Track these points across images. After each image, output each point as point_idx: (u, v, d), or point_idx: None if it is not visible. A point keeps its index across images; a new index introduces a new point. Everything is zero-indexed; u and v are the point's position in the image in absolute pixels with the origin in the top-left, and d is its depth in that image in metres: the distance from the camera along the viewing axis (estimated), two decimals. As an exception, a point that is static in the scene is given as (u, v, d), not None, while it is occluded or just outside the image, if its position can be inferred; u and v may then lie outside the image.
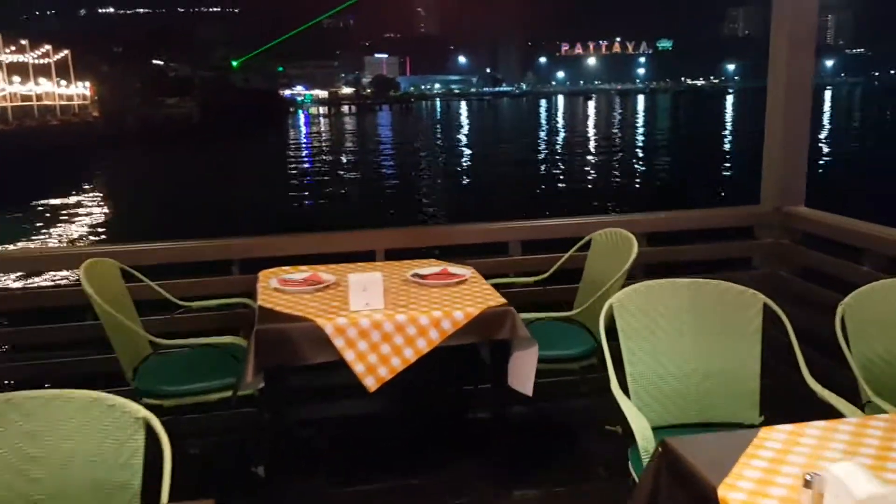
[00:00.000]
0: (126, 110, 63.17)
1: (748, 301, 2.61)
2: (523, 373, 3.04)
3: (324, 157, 36.07)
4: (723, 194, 22.66)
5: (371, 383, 2.88)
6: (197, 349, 3.26)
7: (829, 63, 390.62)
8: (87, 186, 27.13)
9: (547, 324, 3.49)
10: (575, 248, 3.74)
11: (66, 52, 52.28)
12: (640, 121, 67.42)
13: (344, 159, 35.11)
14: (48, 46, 48.71)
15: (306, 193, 24.39)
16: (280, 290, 3.23)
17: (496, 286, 3.42)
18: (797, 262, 4.07)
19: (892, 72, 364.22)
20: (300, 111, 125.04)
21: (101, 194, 26.07)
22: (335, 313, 2.92)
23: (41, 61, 46.71)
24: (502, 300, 3.06)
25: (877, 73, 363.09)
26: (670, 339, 2.60)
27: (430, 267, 3.54)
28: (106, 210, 22.86)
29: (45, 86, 48.38)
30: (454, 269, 3.49)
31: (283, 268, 3.58)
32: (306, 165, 33.22)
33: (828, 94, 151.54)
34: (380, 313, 2.91)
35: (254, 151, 42.80)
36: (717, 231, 4.25)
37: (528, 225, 4.01)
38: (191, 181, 27.30)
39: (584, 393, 3.76)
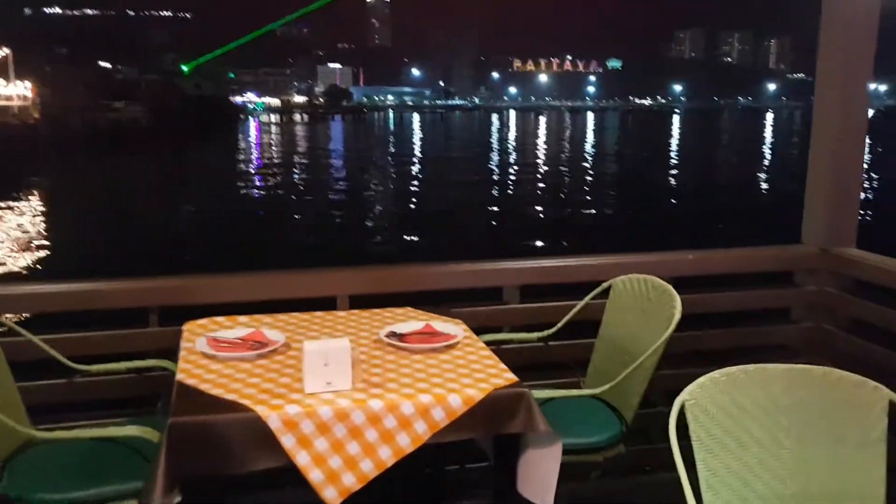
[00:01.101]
0: (69, 113, 61.00)
1: (868, 397, 1.87)
2: (539, 478, 2.26)
3: (274, 171, 34.45)
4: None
5: (332, 496, 2.07)
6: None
7: (772, 87, 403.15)
8: (11, 201, 24.53)
9: (559, 399, 2.71)
10: (591, 297, 2.98)
11: (6, 51, 50.01)
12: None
13: (296, 174, 33.70)
14: (-15, 44, 46.55)
15: (253, 212, 22.56)
16: (210, 355, 2.39)
17: (490, 344, 2.66)
18: (847, 316, 3.37)
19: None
20: (251, 118, 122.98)
21: (28, 208, 23.61)
22: (283, 397, 2.10)
23: (-23, 59, 44.52)
24: (511, 376, 2.28)
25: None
26: (763, 450, 1.85)
27: (410, 321, 2.75)
28: (26, 230, 19.99)
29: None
30: (440, 324, 2.69)
31: (216, 319, 2.74)
32: (256, 180, 31.55)
33: (769, 117, 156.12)
34: (346, 398, 2.10)
35: (200, 162, 41.42)
36: (742, 276, 3.54)
37: (527, 266, 3.23)
38: (128, 194, 25.31)
39: (601, 474, 3.00)
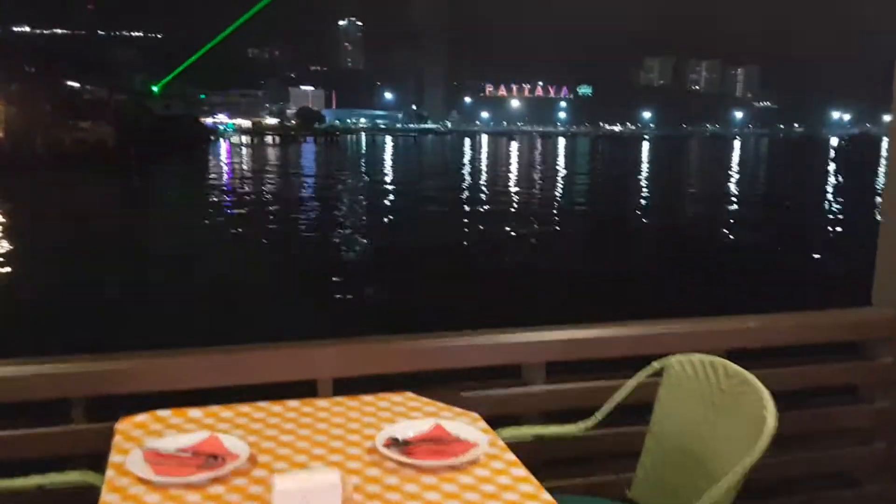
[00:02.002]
0: (35, 132, 59.64)
1: None
2: None
3: (245, 197, 33.01)
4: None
5: None
6: None
7: (739, 115, 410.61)
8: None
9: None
10: (639, 380, 2.36)
11: (-32, 68, 48.73)
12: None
13: (267, 202, 32.28)
14: (-53, 61, 45.25)
15: (213, 250, 19.92)
16: (146, 479, 1.74)
17: (515, 441, 2.06)
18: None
19: (796, 125, 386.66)
20: (222, 140, 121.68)
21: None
22: (246, 559, 1.46)
23: (-62, 76, 43.19)
24: (563, 515, 1.66)
25: (782, 126, 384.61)
26: None
27: (412, 414, 2.14)
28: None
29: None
30: (452, 423, 2.07)
31: (159, 413, 2.09)
32: (223, 208, 29.84)
33: (737, 145, 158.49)
34: (336, 562, 1.46)
35: (165, 186, 40.37)
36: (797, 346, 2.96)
37: (554, 338, 2.62)
38: (82, 223, 23.25)
39: None
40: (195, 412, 2.13)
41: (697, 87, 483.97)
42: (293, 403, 2.22)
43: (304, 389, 2.36)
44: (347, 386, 2.38)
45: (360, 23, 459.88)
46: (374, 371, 2.47)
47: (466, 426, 2.06)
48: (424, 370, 2.51)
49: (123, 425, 2.03)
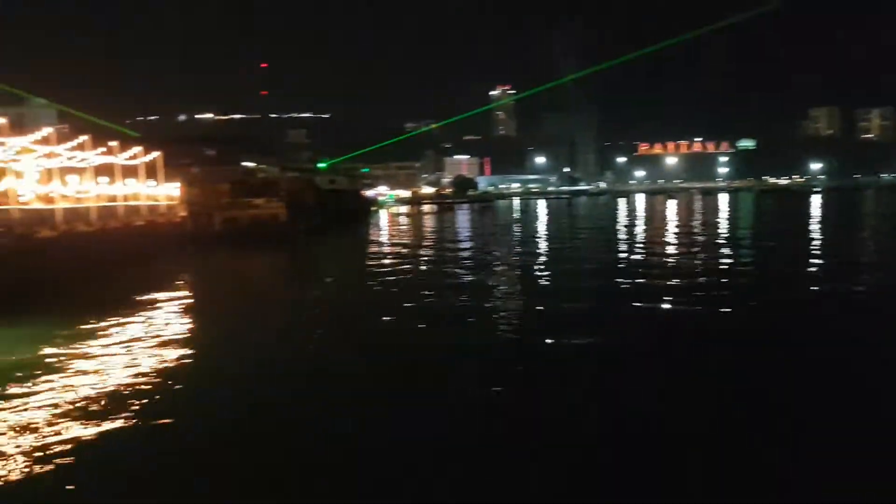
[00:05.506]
0: (213, 211, 63.27)
1: None
2: None
3: (402, 264, 33.64)
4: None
5: None
6: None
7: None
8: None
9: None
10: None
11: (156, 153, 53.17)
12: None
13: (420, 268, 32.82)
14: (139, 148, 49.55)
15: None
16: None
17: None
18: None
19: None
20: (382, 210, 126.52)
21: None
22: None
23: (129, 162, 47.31)
24: None
25: None
26: None
27: None
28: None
29: (133, 186, 48.91)
30: None
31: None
32: (385, 274, 30.52)
33: None
34: None
35: (328, 258, 41.80)
36: None
37: None
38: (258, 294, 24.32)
39: None
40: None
41: (870, 136, 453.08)
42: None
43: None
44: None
45: (512, 91, 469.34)
46: None
47: None
48: None
49: None
